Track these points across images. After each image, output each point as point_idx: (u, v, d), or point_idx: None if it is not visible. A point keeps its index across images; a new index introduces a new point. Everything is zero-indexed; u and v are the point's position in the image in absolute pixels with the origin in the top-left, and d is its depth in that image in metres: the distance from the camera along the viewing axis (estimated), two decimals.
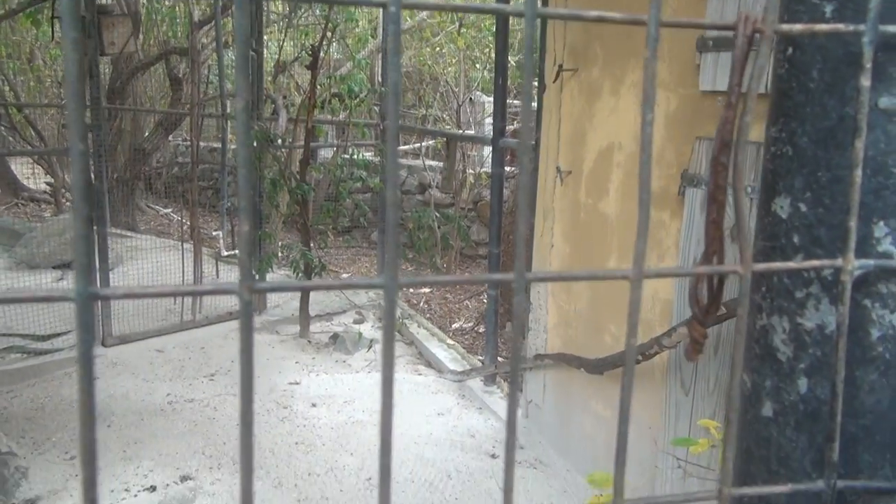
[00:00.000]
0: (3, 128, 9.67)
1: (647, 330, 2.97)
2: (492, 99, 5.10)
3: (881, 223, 0.37)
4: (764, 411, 0.42)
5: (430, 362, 4.99)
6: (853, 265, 0.34)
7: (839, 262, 0.34)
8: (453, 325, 6.16)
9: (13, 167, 10.95)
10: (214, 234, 7.49)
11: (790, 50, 0.40)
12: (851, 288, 0.35)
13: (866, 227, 0.37)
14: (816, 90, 0.38)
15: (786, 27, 0.33)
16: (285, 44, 8.46)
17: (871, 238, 0.37)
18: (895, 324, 0.37)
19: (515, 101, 10.27)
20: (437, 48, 10.20)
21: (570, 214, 3.67)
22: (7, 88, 10.07)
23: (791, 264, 0.37)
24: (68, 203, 9.60)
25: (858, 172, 0.34)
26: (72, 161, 0.24)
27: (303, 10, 8.92)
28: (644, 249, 0.29)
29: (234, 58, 9.42)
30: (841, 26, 0.34)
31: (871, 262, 0.36)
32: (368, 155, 7.51)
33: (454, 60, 9.99)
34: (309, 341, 5.30)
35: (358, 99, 6.18)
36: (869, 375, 0.38)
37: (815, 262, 0.36)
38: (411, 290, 6.95)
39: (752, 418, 0.43)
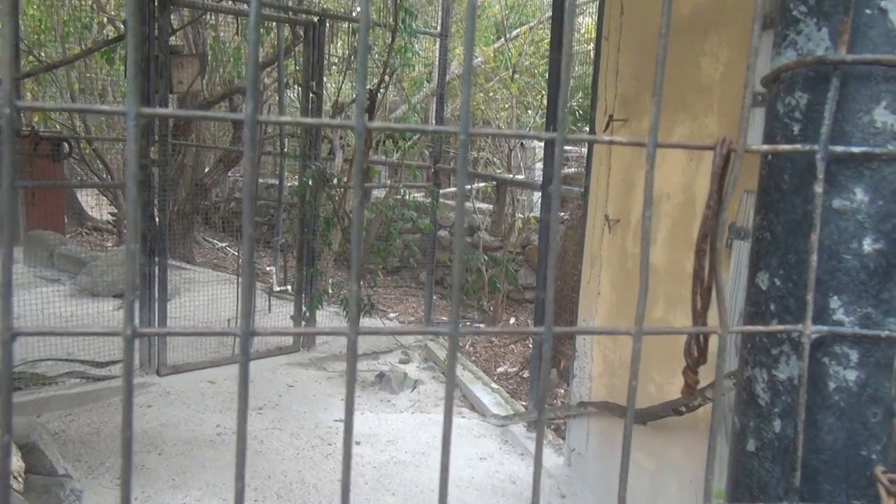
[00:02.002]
0: (73, 160, 10.12)
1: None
2: (542, 144, 5.19)
3: (835, 297, 0.46)
4: (748, 447, 0.50)
5: (474, 405, 5.02)
6: (811, 330, 0.43)
7: (800, 327, 0.42)
8: (498, 369, 6.18)
9: (79, 197, 11.43)
10: (268, 269, 7.69)
11: (769, 157, 0.48)
12: (813, 348, 0.44)
13: (824, 299, 0.46)
14: (788, 190, 0.46)
15: (755, 147, 0.42)
16: (344, 85, 8.72)
17: (828, 309, 0.46)
18: (848, 378, 0.46)
19: (567, 147, 10.35)
20: (491, 93, 10.38)
21: (618, 263, 3.71)
22: (79, 122, 10.56)
23: (760, 327, 0.45)
24: None
25: (814, 258, 0.42)
26: (242, 231, 0.33)
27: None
28: (644, 311, 0.36)
29: (293, 97, 9.73)
30: (799, 146, 0.42)
31: (825, 327, 0.44)
32: (419, 196, 7.67)
33: (507, 106, 10.14)
34: (356, 379, 5.38)
35: (411, 142, 6.34)
36: (828, 419, 0.47)
37: (780, 327, 0.44)
38: None
39: (740, 452, 0.51)
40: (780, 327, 0.44)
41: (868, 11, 0.43)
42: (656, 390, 3.38)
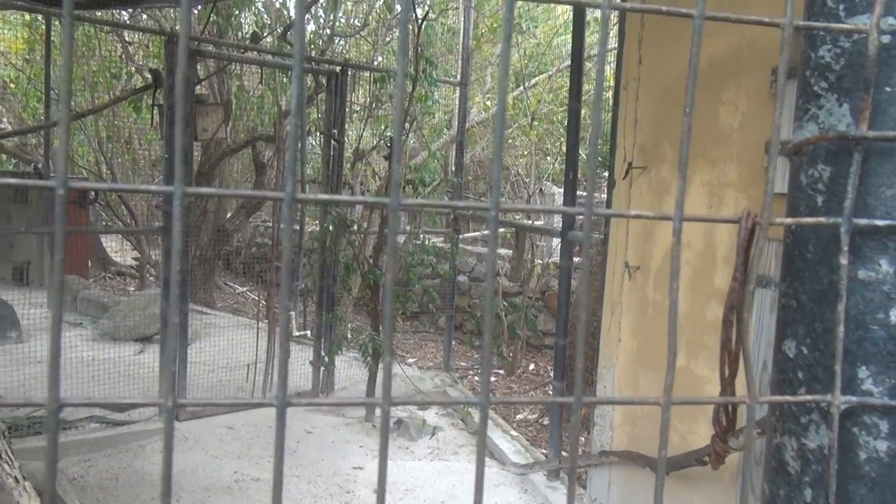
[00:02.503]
0: (98, 205, 10.29)
1: None
2: (562, 190, 5.22)
3: (863, 367, 0.46)
4: None
5: (493, 453, 4.96)
6: (839, 400, 0.43)
7: (829, 397, 0.43)
8: (517, 416, 6.12)
9: (103, 241, 11.59)
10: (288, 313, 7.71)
11: (793, 226, 0.49)
12: (842, 417, 0.44)
13: (852, 369, 0.46)
14: (812, 260, 0.47)
15: (779, 220, 0.42)
16: (365, 132, 8.83)
17: (857, 378, 0.46)
18: (879, 448, 0.46)
19: (585, 193, 10.39)
20: (510, 140, 10.47)
21: (638, 310, 3.68)
22: (105, 168, 10.77)
23: (789, 397, 0.45)
24: (152, 278, 10.06)
25: (841, 328, 0.42)
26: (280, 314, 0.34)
27: (384, 102, 9.33)
28: (672, 382, 0.36)
29: (315, 143, 9.88)
30: (823, 219, 0.43)
31: (854, 398, 0.45)
32: (438, 241, 7.70)
33: (525, 152, 10.22)
34: (374, 425, 5.35)
35: (430, 187, 6.38)
36: (859, 490, 0.46)
37: (809, 397, 0.44)
38: (476, 377, 6.95)
39: None
40: (809, 397, 0.44)
41: (888, 89, 0.44)
42: (679, 439, 3.33)
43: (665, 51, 3.62)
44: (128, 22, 9.60)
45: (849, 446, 0.46)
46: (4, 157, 11.62)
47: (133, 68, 10.10)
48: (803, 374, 0.48)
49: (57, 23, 8.06)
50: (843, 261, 0.43)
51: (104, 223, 10.95)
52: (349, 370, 6.36)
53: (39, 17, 8.95)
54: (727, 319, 0.46)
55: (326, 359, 5.76)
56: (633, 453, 3.56)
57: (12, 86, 11.60)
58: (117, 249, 11.87)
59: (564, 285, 4.55)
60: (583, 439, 5.64)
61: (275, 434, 0.32)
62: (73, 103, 9.77)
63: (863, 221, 0.43)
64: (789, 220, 0.44)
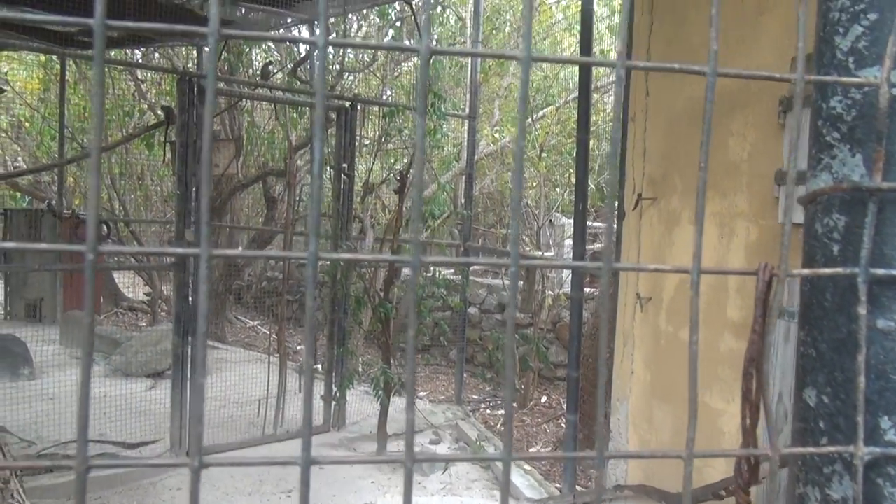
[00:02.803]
0: (111, 241, 10.36)
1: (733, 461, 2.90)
2: (571, 221, 5.22)
3: (885, 417, 0.46)
4: None
5: None
6: (862, 452, 0.42)
7: (852, 448, 0.42)
8: (530, 450, 6.06)
9: (115, 277, 11.64)
10: (299, 348, 7.71)
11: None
12: (866, 468, 0.44)
13: (874, 419, 0.45)
14: (830, 308, 0.47)
15: (796, 272, 0.43)
16: (374, 166, 8.89)
17: (879, 429, 0.46)
18: None
19: (595, 224, 10.41)
20: None
21: (651, 341, 3.66)
22: (118, 204, 10.87)
23: (811, 448, 0.44)
24: (164, 314, 10.09)
25: (861, 379, 0.42)
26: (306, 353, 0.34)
27: (393, 136, 9.41)
28: (694, 435, 0.37)
29: (325, 177, 9.95)
30: (840, 270, 0.43)
31: (877, 449, 0.44)
32: (449, 274, 7.70)
33: (535, 184, 10.26)
34: None
35: (440, 220, 6.40)
36: None
37: (832, 448, 0.44)
38: (488, 410, 6.91)
39: None
40: (832, 448, 0.44)
41: None
42: (695, 473, 3.28)
43: (672, 83, 3.65)
44: (140, 61, 9.76)
45: (873, 497, 0.46)
46: (19, 194, 11.76)
47: (146, 105, 10.25)
48: (825, 423, 0.48)
49: (71, 63, 8.20)
50: (862, 311, 0.43)
51: (116, 259, 11.02)
52: (360, 404, 6.33)
53: (54, 57, 9.11)
54: (747, 371, 0.46)
55: (338, 393, 5.74)
56: (648, 487, 3.52)
57: (27, 125, 11.78)
58: (129, 284, 11.92)
59: (576, 317, 4.54)
60: (597, 472, 5.56)
61: (300, 496, 0.32)
62: (86, 140, 9.89)
63: (880, 271, 0.44)
64: (806, 272, 0.44)
